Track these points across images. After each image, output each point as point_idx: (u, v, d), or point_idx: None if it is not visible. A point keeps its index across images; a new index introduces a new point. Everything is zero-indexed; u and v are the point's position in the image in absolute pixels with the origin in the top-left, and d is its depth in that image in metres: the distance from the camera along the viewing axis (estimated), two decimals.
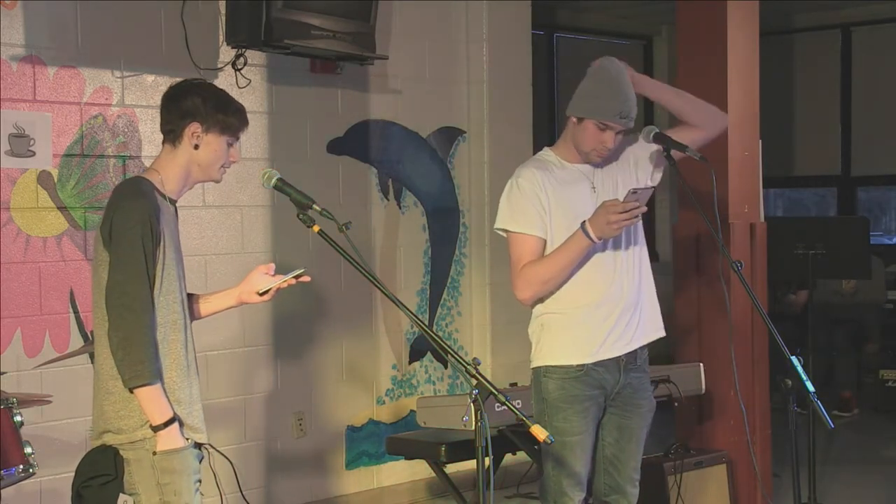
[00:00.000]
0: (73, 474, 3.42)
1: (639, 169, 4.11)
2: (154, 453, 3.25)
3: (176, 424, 3.27)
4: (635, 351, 4.03)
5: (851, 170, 10.47)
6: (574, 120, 3.96)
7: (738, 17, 5.67)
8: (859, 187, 10.61)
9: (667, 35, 10.14)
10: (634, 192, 3.76)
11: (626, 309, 3.98)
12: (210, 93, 3.42)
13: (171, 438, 3.26)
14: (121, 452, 3.28)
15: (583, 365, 3.94)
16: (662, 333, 4.12)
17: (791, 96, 10.56)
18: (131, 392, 3.23)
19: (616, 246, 3.96)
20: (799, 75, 10.60)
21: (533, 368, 4.06)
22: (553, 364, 3.97)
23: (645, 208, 3.81)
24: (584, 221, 3.81)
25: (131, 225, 3.23)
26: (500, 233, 4.03)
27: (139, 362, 3.20)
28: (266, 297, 3.54)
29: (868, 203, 10.89)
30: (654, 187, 3.95)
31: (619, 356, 3.98)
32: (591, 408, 3.96)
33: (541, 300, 3.99)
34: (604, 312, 3.95)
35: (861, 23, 10.27)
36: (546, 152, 4.08)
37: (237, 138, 3.45)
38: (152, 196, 3.30)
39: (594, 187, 3.99)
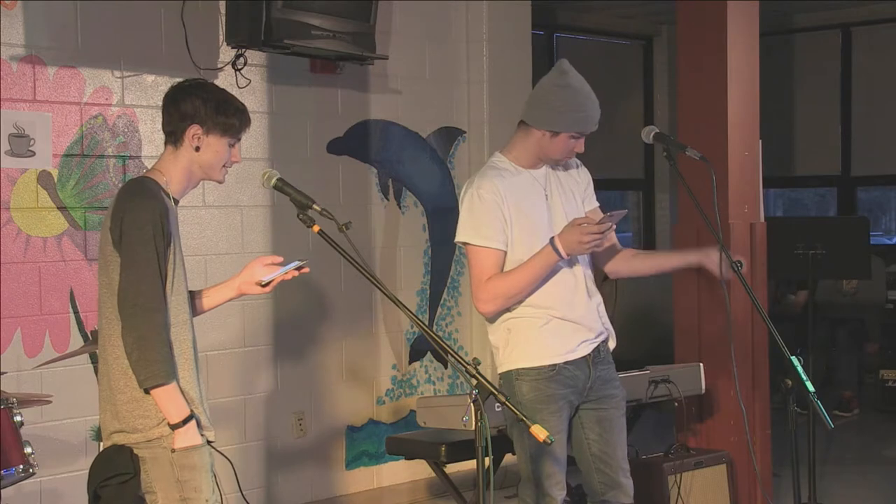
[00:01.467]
0: (72, 474, 3.42)
1: (585, 194, 4.14)
2: (172, 451, 3.25)
3: (193, 422, 3.28)
4: (598, 346, 4.04)
5: (851, 170, 10.47)
6: (548, 134, 3.94)
7: (738, 17, 5.67)
8: (859, 187, 10.60)
9: (667, 35, 10.13)
10: (611, 215, 3.79)
11: (588, 309, 4.00)
12: (211, 94, 3.40)
13: (189, 436, 3.26)
14: (135, 451, 3.28)
15: (554, 365, 3.94)
16: (612, 331, 4.15)
17: (791, 96, 10.56)
18: (146, 392, 3.23)
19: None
20: (799, 75, 10.60)
21: (502, 373, 4.03)
22: (525, 366, 3.96)
23: (614, 226, 3.86)
24: (554, 238, 3.83)
25: (143, 225, 3.22)
26: (461, 245, 4.02)
27: (155, 362, 3.20)
28: (268, 289, 3.53)
29: (868, 203, 10.89)
30: (626, 211, 3.98)
31: (587, 354, 4.00)
32: (564, 407, 3.97)
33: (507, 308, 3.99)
34: (568, 315, 3.96)
35: (861, 23, 10.26)
36: (499, 158, 4.05)
37: (239, 139, 3.44)
38: (160, 196, 3.31)
39: (546, 194, 4.00)
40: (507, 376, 4.01)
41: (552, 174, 4.04)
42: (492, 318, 4.02)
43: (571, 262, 3.97)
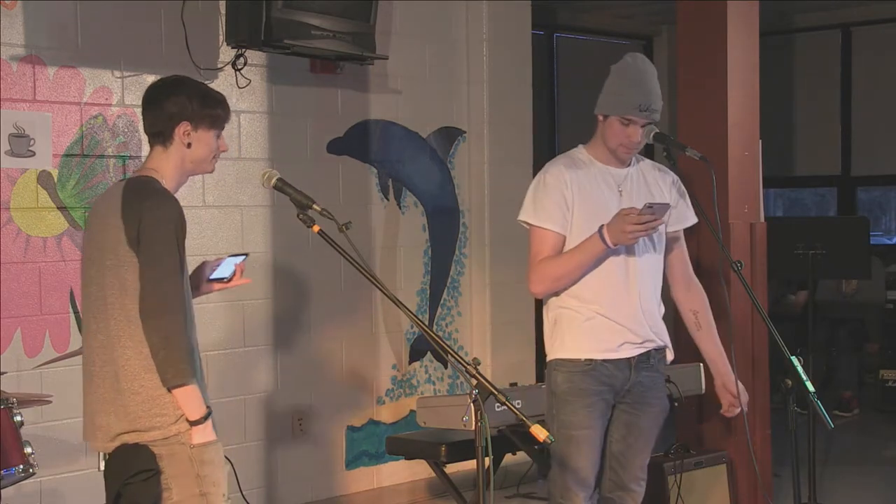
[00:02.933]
0: (72, 474, 3.42)
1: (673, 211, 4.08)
2: (192, 447, 3.27)
3: (211, 419, 3.30)
4: (649, 351, 4.03)
5: (851, 170, 10.47)
6: (601, 118, 4.01)
7: (738, 17, 5.67)
8: (859, 187, 10.60)
9: (667, 35, 10.13)
10: (650, 206, 3.79)
11: (636, 316, 3.98)
12: (192, 89, 3.41)
13: (207, 432, 3.29)
14: (151, 449, 3.29)
15: (591, 360, 3.95)
16: (669, 344, 4.11)
17: (791, 96, 10.56)
18: (169, 391, 3.24)
19: (628, 252, 3.96)
20: (799, 75, 10.60)
21: (547, 362, 4.09)
22: (562, 357, 4.00)
23: (663, 221, 3.86)
24: (602, 226, 3.84)
25: (166, 223, 3.23)
26: (523, 224, 4.05)
27: (181, 361, 3.21)
28: (228, 286, 3.59)
29: (868, 203, 10.89)
30: (669, 204, 3.96)
31: (630, 357, 3.99)
32: (597, 403, 3.97)
33: (555, 294, 4.01)
34: (615, 318, 3.95)
35: (861, 23, 10.27)
36: (579, 150, 4.10)
37: (223, 128, 3.46)
38: (172, 195, 3.32)
39: (621, 191, 4.00)
40: (549, 365, 4.06)
41: (637, 175, 4.06)
42: (544, 302, 4.06)
43: (629, 269, 3.96)
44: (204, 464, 3.29)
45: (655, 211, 3.78)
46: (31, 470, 4.05)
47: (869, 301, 9.26)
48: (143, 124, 3.43)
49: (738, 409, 4.21)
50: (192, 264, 3.56)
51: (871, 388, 9.05)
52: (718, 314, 5.42)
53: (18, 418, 4.04)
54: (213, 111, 3.40)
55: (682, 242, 4.20)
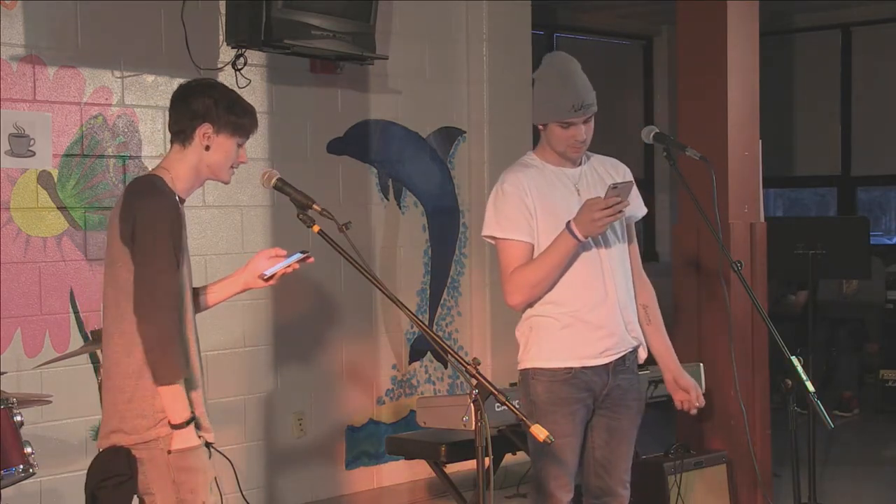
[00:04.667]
0: (72, 474, 3.42)
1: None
2: (169, 452, 3.25)
3: (193, 424, 3.27)
4: (625, 355, 4.01)
5: (851, 170, 10.48)
6: (541, 127, 3.98)
7: (737, 17, 5.68)
8: (859, 187, 10.61)
9: (667, 35, 10.14)
10: (615, 186, 3.77)
11: (614, 313, 3.96)
12: (221, 93, 3.40)
13: (187, 437, 3.26)
14: (133, 452, 3.27)
15: (571, 368, 3.92)
16: (643, 341, 4.09)
17: (791, 96, 10.56)
18: (160, 388, 3.21)
19: (598, 245, 3.94)
20: (799, 75, 10.60)
21: (520, 370, 4.03)
22: (541, 367, 3.95)
23: (628, 203, 3.82)
24: (570, 221, 3.81)
25: (158, 221, 3.22)
26: (489, 240, 4.02)
27: (174, 360, 3.20)
28: (271, 282, 3.53)
29: (868, 203, 10.89)
30: (633, 182, 3.94)
31: (608, 362, 3.97)
32: (579, 410, 3.94)
33: (530, 304, 3.98)
34: (592, 318, 3.93)
35: (861, 23, 10.27)
36: (529, 156, 4.07)
37: (246, 139, 3.45)
38: (171, 194, 3.31)
39: (578, 190, 3.98)
40: (524, 374, 4.01)
41: (591, 172, 4.03)
42: (520, 313, 4.02)
43: (602, 262, 3.94)
44: (181, 470, 3.26)
45: (620, 192, 3.76)
46: (31, 470, 4.05)
47: (869, 301, 9.27)
48: (168, 121, 3.42)
49: (695, 407, 4.15)
50: (192, 264, 3.55)
51: (871, 388, 9.05)
52: (718, 314, 5.44)
53: (18, 418, 4.04)
54: (238, 119, 3.38)
55: (634, 236, 4.17)
